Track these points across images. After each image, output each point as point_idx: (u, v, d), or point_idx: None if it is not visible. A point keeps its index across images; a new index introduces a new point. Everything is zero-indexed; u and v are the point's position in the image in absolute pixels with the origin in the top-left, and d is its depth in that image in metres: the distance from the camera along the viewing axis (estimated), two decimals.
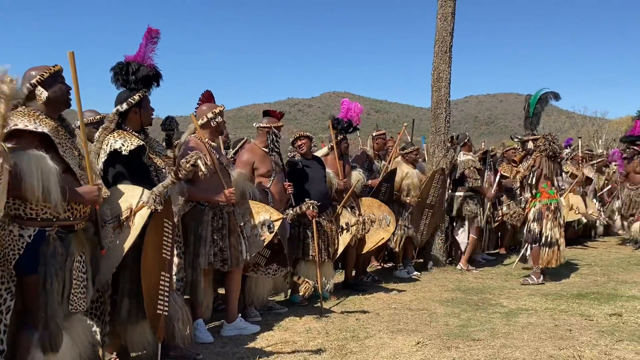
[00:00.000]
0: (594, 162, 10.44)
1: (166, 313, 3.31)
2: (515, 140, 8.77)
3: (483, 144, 8.47)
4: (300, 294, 4.68)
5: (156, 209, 3.07)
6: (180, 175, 3.16)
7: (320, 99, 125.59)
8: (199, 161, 3.10)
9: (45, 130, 2.67)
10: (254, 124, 5.05)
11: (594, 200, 10.05)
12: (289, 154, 5.79)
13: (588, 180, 10.04)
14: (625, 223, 9.17)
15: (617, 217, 9.49)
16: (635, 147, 9.11)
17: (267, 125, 4.85)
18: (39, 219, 2.67)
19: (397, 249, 6.77)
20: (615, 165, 9.81)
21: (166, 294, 3.30)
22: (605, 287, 5.86)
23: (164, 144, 5.48)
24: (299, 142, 5.49)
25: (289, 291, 5.52)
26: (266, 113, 5.08)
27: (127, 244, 3.05)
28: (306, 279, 4.45)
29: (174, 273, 3.85)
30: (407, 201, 6.64)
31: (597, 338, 3.96)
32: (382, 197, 6.26)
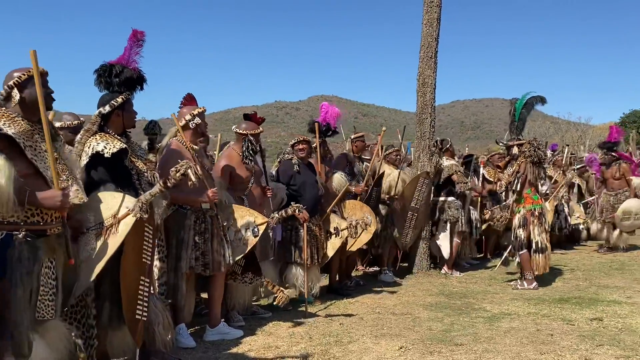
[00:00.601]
0: (575, 167, 10.52)
1: (145, 318, 3.27)
2: (500, 144, 8.85)
3: (467, 148, 8.51)
4: (275, 303, 4.63)
5: (142, 217, 3.04)
6: (169, 184, 3.14)
7: (308, 102, 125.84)
8: (189, 171, 3.09)
9: (10, 132, 2.62)
10: (233, 128, 4.98)
11: (579, 204, 10.14)
12: (286, 155, 5.74)
13: (572, 185, 10.13)
14: (605, 228, 9.19)
15: (595, 223, 9.49)
16: (613, 154, 9.19)
17: (244, 132, 4.78)
18: (5, 222, 2.61)
19: (383, 251, 6.82)
20: (591, 170, 9.80)
21: (145, 298, 3.25)
22: (587, 292, 5.91)
23: (146, 147, 5.46)
24: (300, 146, 5.51)
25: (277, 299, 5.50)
26: (246, 117, 4.97)
27: (110, 252, 3.00)
28: (281, 289, 4.40)
29: (156, 277, 3.84)
30: (387, 198, 6.67)
31: (578, 343, 3.99)
32: (372, 202, 6.30)
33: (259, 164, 5.00)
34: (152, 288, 3.55)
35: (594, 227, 9.46)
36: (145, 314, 3.26)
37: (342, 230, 5.58)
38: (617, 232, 8.87)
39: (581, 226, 9.92)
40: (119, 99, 3.42)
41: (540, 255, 6.19)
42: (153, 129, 5.68)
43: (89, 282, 3.04)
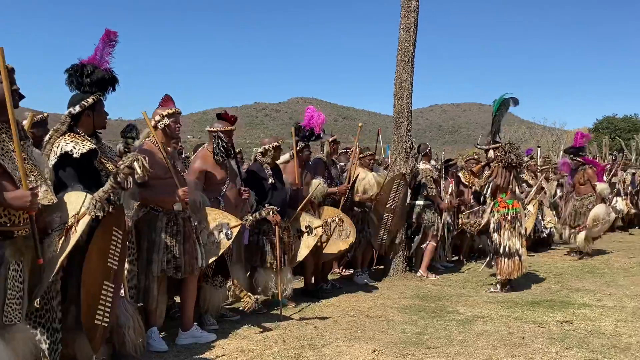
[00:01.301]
0: (548, 170, 10.65)
1: (106, 324, 3.18)
2: (478, 148, 8.95)
3: (443, 152, 8.56)
4: (241, 308, 4.59)
5: (97, 216, 2.99)
6: (118, 179, 3.07)
7: (288, 104, 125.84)
8: (135, 163, 3.01)
9: None
10: (206, 128, 4.93)
11: (550, 208, 10.26)
12: (260, 157, 5.65)
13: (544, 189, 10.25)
14: (569, 233, 9.24)
15: (564, 227, 9.52)
16: (579, 159, 9.20)
17: (215, 130, 4.74)
18: None
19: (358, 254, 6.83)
20: (564, 175, 9.82)
21: (108, 304, 3.17)
22: (559, 295, 6.00)
23: (121, 149, 5.39)
24: (276, 150, 5.44)
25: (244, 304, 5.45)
26: (219, 116, 4.92)
27: (66, 251, 2.94)
28: (248, 293, 4.36)
29: (126, 280, 3.78)
30: (359, 199, 6.67)
31: (549, 345, 4.05)
32: (347, 205, 6.30)
33: (233, 166, 4.95)
34: (122, 291, 3.50)
35: (566, 232, 9.47)
36: (106, 319, 3.17)
37: (315, 228, 5.54)
38: (581, 236, 8.85)
39: (552, 229, 10.01)
40: (90, 100, 3.37)
41: (508, 260, 6.16)
42: (130, 132, 5.62)
43: (48, 282, 2.97)
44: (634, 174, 13.40)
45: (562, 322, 4.75)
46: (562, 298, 5.82)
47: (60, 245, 2.97)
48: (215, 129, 4.74)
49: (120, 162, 3.10)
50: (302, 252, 5.56)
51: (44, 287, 2.97)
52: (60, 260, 2.95)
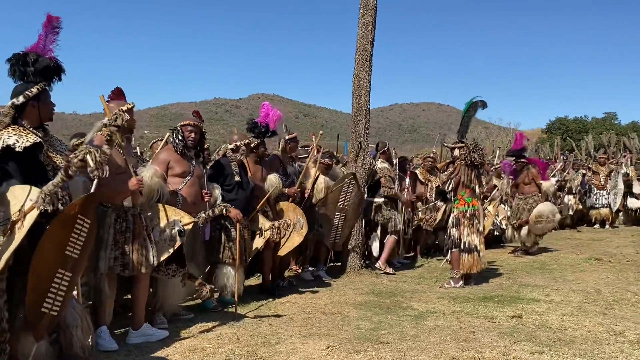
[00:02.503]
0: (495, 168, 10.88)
1: (54, 313, 3.04)
2: (444, 146, 9.11)
3: (393, 152, 8.63)
4: (195, 296, 4.56)
5: (46, 210, 2.88)
6: (70, 172, 2.97)
7: (249, 100, 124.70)
8: (87, 156, 2.91)
9: None
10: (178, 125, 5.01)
11: (503, 205, 10.49)
12: (228, 152, 5.60)
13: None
14: (516, 233, 9.22)
15: (508, 226, 9.56)
16: (523, 160, 9.26)
17: (177, 125, 4.89)
18: None
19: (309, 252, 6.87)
20: (506, 176, 9.67)
21: (61, 292, 3.05)
22: (509, 291, 6.17)
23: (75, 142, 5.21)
24: (243, 146, 5.47)
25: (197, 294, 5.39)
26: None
27: (13, 246, 2.83)
28: (204, 283, 4.32)
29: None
30: (314, 202, 6.73)
31: (498, 339, 4.15)
32: (308, 204, 6.32)
33: (199, 165, 4.96)
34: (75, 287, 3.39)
35: (509, 231, 9.53)
36: (55, 308, 3.03)
37: (265, 231, 5.55)
38: (524, 231, 8.93)
39: (504, 226, 10.16)
40: (34, 90, 3.23)
41: (467, 255, 6.38)
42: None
43: None
44: (584, 174, 13.90)
45: (512, 317, 4.88)
46: (513, 293, 5.99)
47: (5, 240, 2.85)
48: (176, 126, 4.92)
49: (73, 155, 2.99)
50: (251, 254, 5.57)
51: None
52: (6, 257, 2.83)
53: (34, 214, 2.90)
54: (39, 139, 3.19)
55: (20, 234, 2.86)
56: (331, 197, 6.91)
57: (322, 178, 6.84)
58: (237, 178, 5.37)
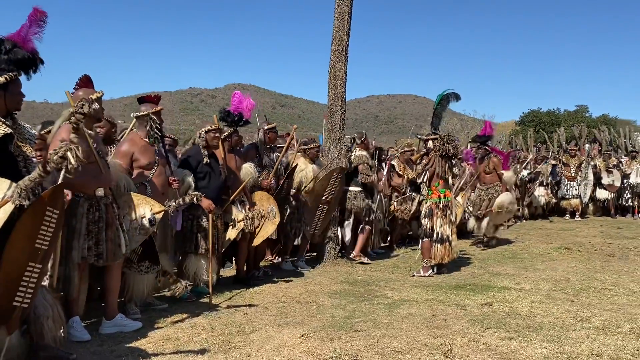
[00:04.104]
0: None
1: (25, 305, 3.02)
2: (418, 138, 9.17)
3: (373, 142, 8.69)
4: (170, 294, 4.51)
5: (21, 205, 2.84)
6: (48, 168, 2.92)
7: (225, 90, 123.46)
8: (68, 153, 2.87)
9: None
10: (132, 115, 4.81)
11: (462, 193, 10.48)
12: (198, 141, 5.53)
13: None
14: (477, 223, 9.17)
15: (469, 217, 9.44)
16: (486, 148, 9.16)
17: (145, 112, 4.66)
18: None
19: (296, 242, 6.89)
20: (467, 164, 9.58)
21: (32, 285, 3.01)
22: (481, 279, 6.29)
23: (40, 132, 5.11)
24: (214, 134, 5.37)
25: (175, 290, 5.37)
26: (142, 100, 4.83)
27: None
28: (179, 279, 4.31)
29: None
30: (295, 193, 6.74)
31: (469, 326, 4.24)
32: (282, 194, 6.32)
33: (162, 152, 4.86)
34: (45, 277, 3.34)
35: (471, 222, 9.41)
36: (27, 301, 3.01)
37: (238, 222, 5.54)
38: (485, 222, 8.88)
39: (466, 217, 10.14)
40: (1, 79, 3.16)
41: (440, 245, 6.49)
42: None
43: None
44: (554, 165, 14.17)
45: (483, 305, 4.98)
46: (484, 282, 6.11)
47: None
48: (145, 112, 4.66)
49: (52, 151, 2.95)
50: (224, 244, 5.57)
51: None
52: None
53: (7, 209, 2.84)
54: (9, 130, 3.12)
55: None
56: (317, 190, 6.94)
57: (310, 167, 6.85)
58: (206, 160, 5.30)
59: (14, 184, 2.91)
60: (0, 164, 3.07)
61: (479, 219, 9.14)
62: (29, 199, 2.87)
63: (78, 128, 3.06)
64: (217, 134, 5.41)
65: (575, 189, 13.85)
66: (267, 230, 5.89)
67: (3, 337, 3.08)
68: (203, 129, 5.40)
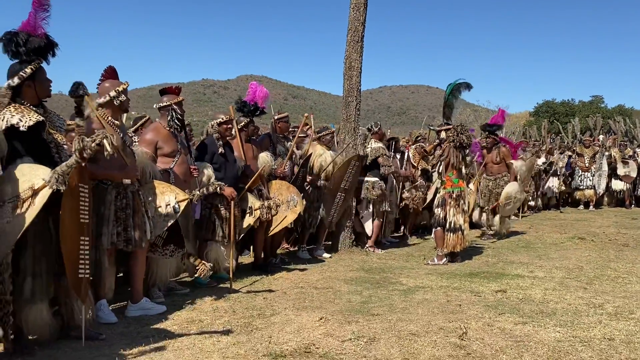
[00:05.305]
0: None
1: (87, 275, 3.37)
2: (431, 129, 9.20)
3: (389, 131, 8.77)
4: (196, 275, 4.67)
5: (58, 189, 2.99)
6: (85, 155, 3.08)
7: (237, 81, 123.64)
8: (104, 141, 3.03)
9: None
10: (154, 106, 4.97)
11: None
12: (212, 132, 5.66)
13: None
14: (484, 215, 8.92)
15: (477, 209, 9.14)
16: (494, 137, 8.91)
17: (167, 102, 4.82)
18: None
19: (312, 230, 6.99)
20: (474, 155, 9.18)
21: (87, 256, 3.33)
22: (495, 267, 6.37)
23: (74, 112, 5.25)
24: (227, 125, 5.52)
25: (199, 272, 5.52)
26: (164, 91, 5.00)
27: (25, 224, 2.95)
28: (203, 261, 4.44)
29: None
30: (321, 183, 6.83)
31: (483, 312, 4.33)
32: (299, 182, 6.42)
33: (184, 140, 4.99)
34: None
35: (476, 213, 9.09)
36: (87, 271, 3.36)
37: (255, 210, 5.66)
38: (497, 218, 8.62)
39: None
40: (28, 70, 3.29)
41: (452, 234, 6.56)
42: (77, 91, 5.47)
43: (4, 254, 2.97)
44: (570, 156, 14.14)
45: (497, 292, 5.07)
46: (498, 270, 6.19)
47: (15, 215, 2.96)
48: (167, 103, 4.81)
49: (89, 139, 3.10)
50: (242, 232, 5.68)
51: (1, 257, 2.96)
52: (21, 231, 2.95)
53: (45, 193, 3.00)
54: (42, 118, 3.27)
55: (32, 211, 2.97)
56: (335, 178, 7.05)
57: (328, 153, 6.94)
58: (220, 150, 5.42)
59: (50, 170, 3.06)
60: (34, 150, 3.23)
61: (484, 210, 8.95)
62: (66, 184, 3.02)
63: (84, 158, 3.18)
64: (229, 125, 5.53)
65: (590, 180, 13.81)
66: (288, 219, 6.00)
67: (34, 315, 3.30)
68: (215, 121, 5.51)
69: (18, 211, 2.98)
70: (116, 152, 3.12)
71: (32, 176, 3.05)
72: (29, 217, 2.97)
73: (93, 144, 3.03)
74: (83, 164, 3.20)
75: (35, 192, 3.00)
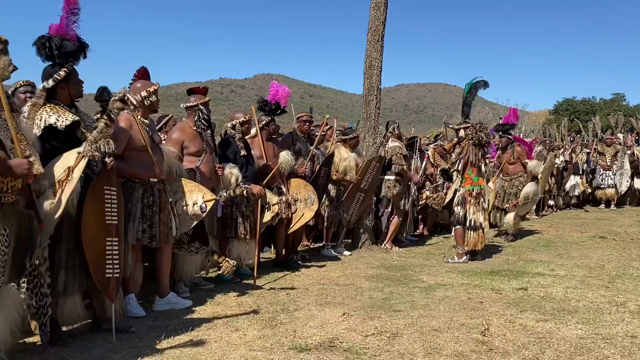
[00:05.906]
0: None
1: (117, 275, 3.51)
2: (450, 127, 9.19)
3: (413, 129, 8.81)
4: (220, 272, 4.75)
5: (93, 157, 3.19)
6: (112, 116, 3.23)
7: (254, 80, 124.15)
8: (128, 94, 3.16)
9: None
10: (182, 105, 5.08)
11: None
12: (231, 132, 5.77)
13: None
14: (498, 215, 8.69)
15: (492, 209, 8.79)
16: (508, 137, 8.79)
17: (194, 103, 4.92)
18: None
19: (333, 229, 7.06)
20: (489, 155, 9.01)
21: (116, 257, 3.48)
22: (515, 265, 6.38)
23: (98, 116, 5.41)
24: (248, 126, 5.65)
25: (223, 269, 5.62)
26: (191, 91, 5.10)
27: (65, 197, 3.09)
28: (226, 258, 4.54)
29: None
30: (347, 180, 6.90)
31: (504, 309, 4.37)
32: (321, 181, 6.50)
33: (209, 140, 5.10)
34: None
35: (492, 214, 8.79)
36: (117, 271, 3.50)
37: (273, 205, 5.74)
38: (511, 217, 8.42)
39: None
40: (62, 73, 3.42)
41: (473, 232, 6.59)
42: (102, 96, 5.63)
43: (50, 232, 3.11)
44: (588, 153, 13.98)
45: (518, 289, 5.09)
46: (519, 268, 6.20)
47: (56, 198, 3.09)
48: (194, 103, 4.91)
49: (112, 100, 3.37)
50: (260, 228, 5.75)
51: (42, 248, 3.09)
52: (63, 205, 3.08)
53: (81, 165, 3.15)
54: (77, 117, 3.40)
55: (70, 186, 3.10)
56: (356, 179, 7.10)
57: (352, 155, 6.99)
58: (243, 152, 5.50)
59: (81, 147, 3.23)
60: (70, 148, 3.34)
61: (500, 211, 8.71)
62: (98, 150, 3.24)
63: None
64: (248, 125, 5.65)
65: (611, 179, 13.65)
66: (305, 217, 6.08)
67: (69, 307, 3.47)
68: (237, 121, 5.59)
69: (59, 192, 3.11)
70: (140, 145, 3.23)
71: (69, 158, 3.19)
72: (68, 191, 3.09)
73: (117, 103, 3.27)
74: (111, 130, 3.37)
75: (71, 169, 3.13)
